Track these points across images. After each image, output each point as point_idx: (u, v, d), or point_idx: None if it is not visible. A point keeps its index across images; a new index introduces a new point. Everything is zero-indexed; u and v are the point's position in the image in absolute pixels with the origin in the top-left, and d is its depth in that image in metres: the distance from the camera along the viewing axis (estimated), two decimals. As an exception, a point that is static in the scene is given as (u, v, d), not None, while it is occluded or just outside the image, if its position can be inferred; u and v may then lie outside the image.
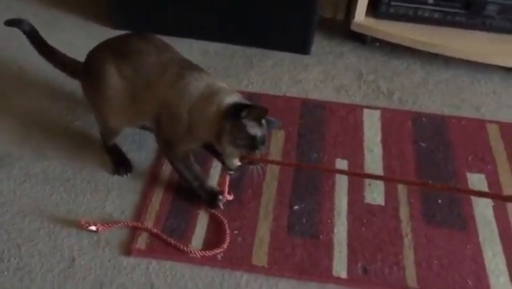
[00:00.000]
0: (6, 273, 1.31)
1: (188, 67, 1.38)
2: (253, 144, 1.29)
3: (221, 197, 1.43)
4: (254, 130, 1.28)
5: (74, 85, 1.62)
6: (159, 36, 1.97)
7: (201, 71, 1.38)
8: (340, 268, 1.33)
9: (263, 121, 1.31)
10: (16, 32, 1.58)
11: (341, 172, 1.56)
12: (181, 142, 1.38)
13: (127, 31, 1.97)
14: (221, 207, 1.43)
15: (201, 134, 1.34)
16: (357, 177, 1.55)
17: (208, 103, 1.31)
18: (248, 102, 1.34)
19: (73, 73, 1.57)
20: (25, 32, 1.57)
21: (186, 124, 1.33)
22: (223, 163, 1.41)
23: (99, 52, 1.45)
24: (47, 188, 1.50)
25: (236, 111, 1.27)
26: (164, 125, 1.38)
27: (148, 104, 1.38)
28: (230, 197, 1.45)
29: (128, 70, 1.38)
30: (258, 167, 1.36)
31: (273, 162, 1.56)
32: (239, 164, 1.33)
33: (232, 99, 1.31)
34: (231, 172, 1.38)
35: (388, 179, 1.47)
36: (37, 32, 1.58)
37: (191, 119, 1.32)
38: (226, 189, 1.44)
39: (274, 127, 1.45)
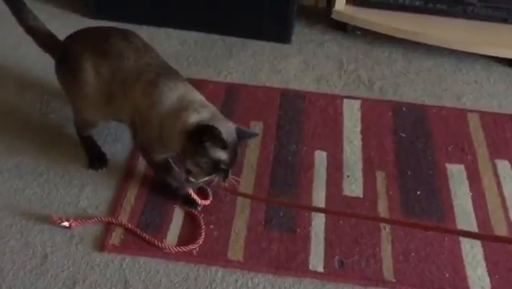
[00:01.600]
0: (-24, 271, 1.28)
1: (164, 73, 1.33)
2: (216, 167, 1.26)
3: (198, 202, 1.40)
4: (218, 154, 1.24)
5: (48, 77, 1.58)
6: (137, 26, 1.96)
7: (176, 78, 1.33)
8: (317, 262, 1.32)
9: (230, 141, 1.25)
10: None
11: (318, 210, 1.43)
12: (155, 149, 1.36)
13: (104, 21, 1.96)
14: (199, 210, 1.41)
15: (171, 146, 1.31)
16: (334, 215, 1.43)
17: (176, 118, 1.26)
18: (220, 117, 1.28)
19: (45, 46, 1.48)
20: None
21: (158, 134, 1.30)
22: (186, 179, 1.36)
23: (79, 44, 1.39)
24: (20, 183, 1.47)
25: (199, 133, 1.22)
26: (138, 130, 1.35)
27: (124, 107, 1.35)
28: (208, 201, 1.42)
29: (106, 71, 1.34)
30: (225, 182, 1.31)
31: (240, 195, 1.44)
32: (201, 183, 1.32)
33: (200, 116, 1.25)
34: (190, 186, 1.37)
35: (376, 219, 1.38)
36: None
37: (162, 130, 1.29)
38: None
39: (251, 138, 1.41)
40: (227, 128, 1.26)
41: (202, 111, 1.27)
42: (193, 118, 1.25)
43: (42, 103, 1.69)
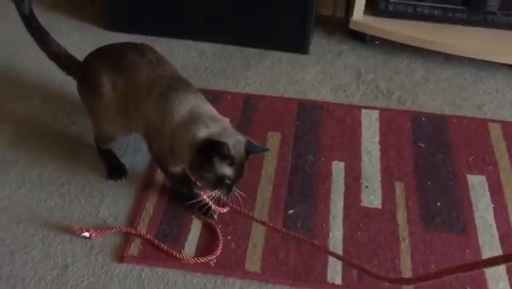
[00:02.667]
0: (-1, 280, 1.31)
1: (176, 86, 1.34)
2: (221, 182, 1.26)
3: (214, 210, 1.40)
4: (224, 169, 1.25)
5: (70, 89, 1.62)
6: (156, 38, 1.99)
7: (188, 91, 1.34)
8: (335, 274, 1.31)
9: (238, 157, 1.25)
10: (12, 36, 1.57)
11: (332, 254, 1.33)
12: (169, 161, 1.37)
13: (124, 33, 2.00)
14: (216, 219, 1.41)
15: (181, 158, 1.32)
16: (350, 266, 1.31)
17: (186, 131, 1.27)
18: (229, 131, 1.28)
19: (67, 69, 1.54)
20: (22, 14, 1.52)
21: (170, 146, 1.31)
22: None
23: (97, 61, 1.44)
24: (42, 193, 1.50)
25: (207, 148, 1.23)
26: (152, 142, 1.37)
27: (138, 120, 1.37)
28: (226, 210, 1.42)
29: (121, 85, 1.37)
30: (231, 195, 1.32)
31: (247, 216, 1.40)
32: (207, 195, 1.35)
33: (209, 130, 1.26)
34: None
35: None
36: (35, 17, 1.53)
37: (172, 142, 1.30)
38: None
39: (261, 152, 1.40)
40: (236, 143, 1.26)
41: (212, 125, 1.27)
42: (203, 132, 1.26)
43: (63, 115, 1.72)
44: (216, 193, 1.29)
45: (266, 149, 1.43)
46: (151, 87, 1.34)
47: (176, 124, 1.29)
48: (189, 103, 1.31)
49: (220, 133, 1.26)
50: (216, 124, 1.28)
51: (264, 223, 1.38)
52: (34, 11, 1.53)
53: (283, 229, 1.37)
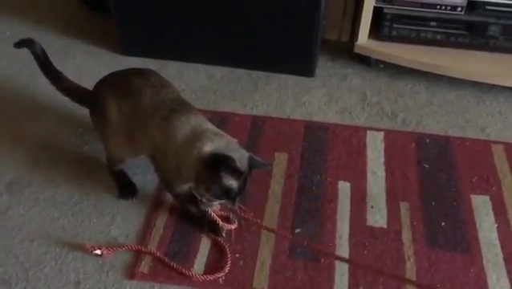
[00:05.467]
0: (13, 296, 1.34)
1: (177, 109, 1.38)
2: (227, 194, 1.30)
3: (222, 227, 1.44)
4: (230, 182, 1.28)
5: (83, 111, 1.67)
6: (167, 62, 2.05)
7: (190, 112, 1.39)
8: (341, 292, 1.33)
9: (242, 170, 1.29)
10: (28, 59, 1.64)
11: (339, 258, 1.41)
12: (175, 181, 1.41)
13: (135, 57, 2.07)
14: (224, 236, 1.45)
15: (187, 176, 1.35)
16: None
17: (191, 148, 1.31)
18: (233, 146, 1.32)
19: (79, 100, 1.62)
20: (34, 54, 1.61)
21: (175, 166, 1.35)
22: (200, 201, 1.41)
23: (103, 88, 1.51)
24: (55, 212, 1.54)
25: (214, 161, 1.27)
26: (158, 165, 1.42)
27: (143, 143, 1.42)
28: (233, 226, 1.46)
29: (127, 109, 1.43)
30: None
31: (256, 223, 1.46)
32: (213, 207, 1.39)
33: (214, 145, 1.30)
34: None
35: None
36: (46, 56, 1.62)
37: (178, 161, 1.34)
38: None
39: (262, 168, 1.42)
40: (240, 157, 1.30)
41: (216, 140, 1.32)
42: (208, 147, 1.30)
43: (76, 136, 1.77)
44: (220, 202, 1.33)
45: (268, 165, 1.44)
46: (154, 110, 1.39)
47: (180, 142, 1.33)
48: (191, 124, 1.35)
49: (225, 147, 1.30)
50: (220, 139, 1.33)
51: (273, 230, 1.42)
52: (44, 51, 1.62)
53: (291, 236, 1.42)
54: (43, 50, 1.62)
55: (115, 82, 1.51)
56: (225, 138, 1.35)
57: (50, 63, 1.63)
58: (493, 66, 1.91)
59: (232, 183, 1.29)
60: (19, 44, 1.60)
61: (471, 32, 1.90)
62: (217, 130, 1.38)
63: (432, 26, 1.93)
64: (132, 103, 1.42)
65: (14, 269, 1.40)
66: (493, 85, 1.93)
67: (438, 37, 1.94)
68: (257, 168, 1.36)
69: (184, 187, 1.42)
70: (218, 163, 1.26)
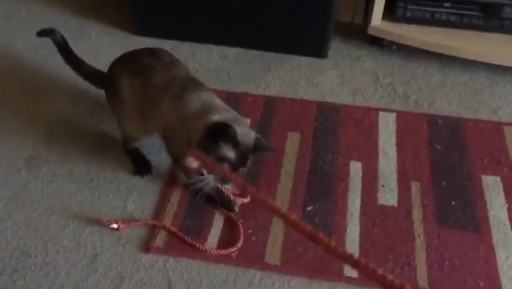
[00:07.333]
0: (33, 268, 1.38)
1: (188, 86, 1.41)
2: (223, 164, 1.31)
3: (236, 201, 1.47)
4: (227, 152, 1.30)
5: (98, 91, 1.71)
6: (180, 42, 2.07)
7: (200, 89, 1.41)
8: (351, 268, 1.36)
9: (243, 145, 1.30)
10: (44, 40, 1.68)
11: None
12: (188, 156, 1.42)
13: (149, 38, 2.09)
14: (237, 211, 1.48)
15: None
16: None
17: (201, 119, 1.33)
18: (241, 122, 1.35)
19: (97, 82, 1.68)
20: (55, 42, 1.67)
21: (186, 142, 1.37)
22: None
23: (117, 68, 1.55)
24: (73, 187, 1.58)
25: (214, 128, 1.29)
26: (170, 142, 1.44)
27: (155, 120, 1.45)
28: (246, 200, 1.49)
29: (138, 87, 1.46)
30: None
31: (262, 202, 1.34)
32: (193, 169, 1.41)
33: (221, 117, 1.32)
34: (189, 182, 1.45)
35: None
36: (66, 43, 1.68)
37: (188, 134, 1.36)
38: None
39: (267, 151, 1.42)
40: (245, 133, 1.32)
41: (224, 113, 1.35)
42: (216, 117, 1.32)
43: (92, 115, 1.81)
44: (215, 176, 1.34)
45: (273, 149, 1.43)
46: (165, 88, 1.42)
47: (191, 116, 1.36)
48: (202, 99, 1.38)
49: (231, 120, 1.32)
50: (229, 113, 1.36)
51: (273, 209, 1.38)
52: (65, 38, 1.68)
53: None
54: (64, 38, 1.67)
55: (127, 61, 1.54)
56: (235, 113, 1.38)
57: (71, 50, 1.69)
58: (507, 48, 1.91)
59: (229, 153, 1.30)
60: (41, 33, 1.67)
61: (485, 13, 1.90)
62: (227, 107, 1.40)
63: (446, 8, 1.92)
64: (143, 81, 1.45)
65: (33, 241, 1.44)
66: (507, 67, 1.92)
67: (452, 18, 1.93)
68: (262, 151, 1.37)
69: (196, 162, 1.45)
70: (219, 130, 1.29)
